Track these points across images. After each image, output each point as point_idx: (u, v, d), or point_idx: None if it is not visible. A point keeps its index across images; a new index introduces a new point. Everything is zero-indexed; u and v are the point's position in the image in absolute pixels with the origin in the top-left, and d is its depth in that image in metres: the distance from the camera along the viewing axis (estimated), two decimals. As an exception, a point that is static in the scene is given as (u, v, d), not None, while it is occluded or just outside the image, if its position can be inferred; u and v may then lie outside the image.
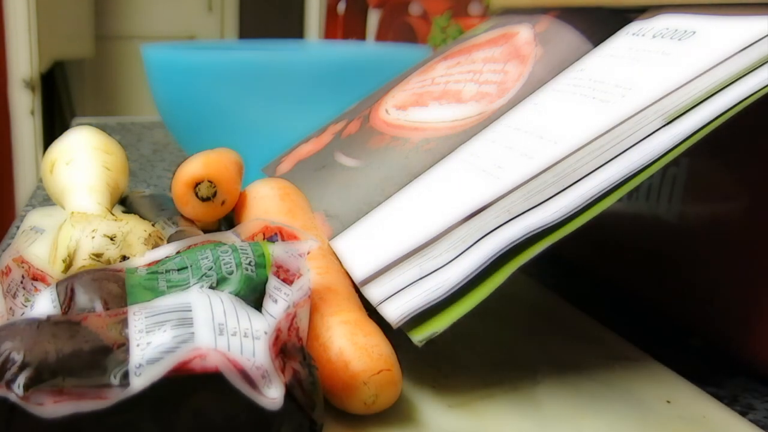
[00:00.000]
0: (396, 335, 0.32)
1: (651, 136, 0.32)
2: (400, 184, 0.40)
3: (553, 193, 0.33)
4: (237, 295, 0.29)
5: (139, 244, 0.38)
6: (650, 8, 0.41)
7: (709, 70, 0.33)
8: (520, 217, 0.33)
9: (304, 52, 0.63)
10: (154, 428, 0.24)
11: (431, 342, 0.31)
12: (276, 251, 0.31)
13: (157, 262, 0.32)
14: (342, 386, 0.30)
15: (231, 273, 0.30)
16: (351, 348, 0.31)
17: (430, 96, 0.46)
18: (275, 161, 0.53)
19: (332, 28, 1.21)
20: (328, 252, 0.39)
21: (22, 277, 0.32)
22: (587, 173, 0.33)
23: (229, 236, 0.34)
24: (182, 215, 0.45)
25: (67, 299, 0.29)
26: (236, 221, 0.46)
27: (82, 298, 0.29)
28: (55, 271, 0.38)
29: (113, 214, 0.41)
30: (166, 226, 0.45)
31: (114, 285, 0.30)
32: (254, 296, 0.30)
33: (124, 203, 0.52)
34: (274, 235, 0.36)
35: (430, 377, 0.35)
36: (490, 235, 0.33)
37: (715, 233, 0.40)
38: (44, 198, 0.67)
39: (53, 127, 2.21)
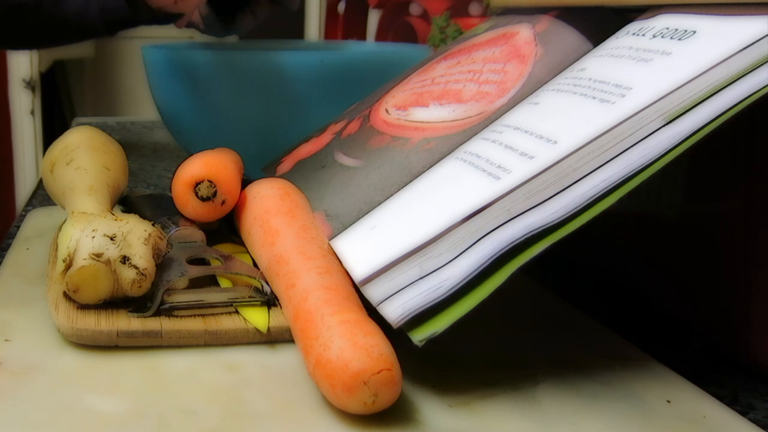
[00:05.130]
0: (396, 335, 0.32)
1: (651, 136, 0.32)
2: (400, 183, 0.40)
3: (553, 193, 0.33)
4: None
5: (139, 244, 0.38)
6: (650, 8, 0.41)
7: (709, 70, 0.33)
8: (520, 217, 0.33)
9: (304, 52, 0.63)
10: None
11: (431, 342, 0.31)
12: None
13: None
14: (342, 386, 0.30)
15: None
16: (351, 348, 0.31)
17: (430, 96, 0.46)
18: (275, 161, 0.53)
19: (332, 28, 1.21)
20: (328, 252, 0.39)
21: None
22: (587, 173, 0.33)
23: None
24: (182, 215, 0.45)
25: None
26: (236, 221, 0.46)
27: None
28: (55, 271, 0.38)
29: (113, 214, 0.41)
30: (166, 226, 0.45)
31: None
32: None
33: (124, 203, 0.52)
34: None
35: (430, 377, 0.35)
36: (490, 235, 0.33)
37: (715, 233, 0.40)
38: (44, 198, 0.67)
39: (53, 127, 2.21)
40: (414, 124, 0.44)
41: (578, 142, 0.34)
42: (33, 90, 2.03)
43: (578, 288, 0.49)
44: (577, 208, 0.32)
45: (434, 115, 0.44)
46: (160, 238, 0.40)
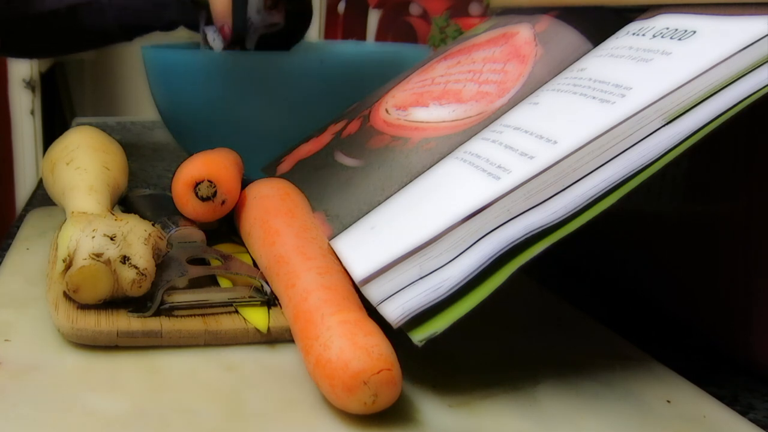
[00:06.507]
0: (396, 335, 0.32)
1: (651, 136, 0.32)
2: (400, 183, 0.40)
3: (553, 193, 0.33)
4: None
5: (139, 244, 0.38)
6: (650, 8, 0.41)
7: (709, 70, 0.33)
8: (520, 216, 0.33)
9: (303, 52, 0.63)
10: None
11: (431, 342, 0.31)
12: None
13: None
14: (342, 386, 0.30)
15: None
16: (351, 348, 0.31)
17: (430, 96, 0.46)
18: (275, 161, 0.53)
19: (332, 28, 1.21)
20: (328, 252, 0.39)
21: None
22: (587, 173, 0.33)
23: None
24: (182, 215, 0.45)
25: None
26: (236, 221, 0.46)
27: None
28: (55, 271, 0.38)
29: (113, 214, 0.41)
30: (166, 226, 0.45)
31: None
32: None
33: (124, 203, 0.52)
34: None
35: (430, 377, 0.35)
36: (490, 235, 0.33)
37: (715, 233, 0.40)
38: (44, 198, 0.67)
39: (53, 127, 2.21)
40: (414, 124, 0.44)
41: (578, 142, 0.34)
42: (33, 90, 2.03)
43: (578, 288, 0.49)
44: (577, 208, 0.32)
45: (434, 115, 0.44)
46: (160, 238, 0.40)
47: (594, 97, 0.36)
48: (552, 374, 0.35)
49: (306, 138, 0.53)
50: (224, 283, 0.41)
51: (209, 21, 0.63)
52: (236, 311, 0.39)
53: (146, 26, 0.72)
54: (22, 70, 2.01)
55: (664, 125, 0.32)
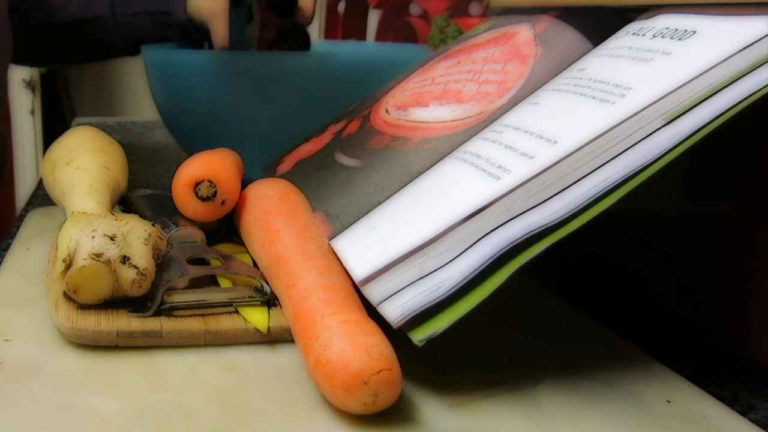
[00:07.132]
0: (396, 335, 0.32)
1: (651, 136, 0.32)
2: (400, 184, 0.40)
3: (553, 193, 0.33)
4: None
5: (139, 244, 0.38)
6: (650, 8, 0.41)
7: (709, 70, 0.33)
8: (520, 216, 0.33)
9: (303, 52, 0.63)
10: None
11: (431, 342, 0.31)
12: None
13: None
14: (342, 386, 0.30)
15: None
16: (351, 348, 0.31)
17: (431, 96, 0.46)
18: (275, 161, 0.53)
19: (332, 28, 1.21)
20: (328, 252, 0.39)
21: None
22: (587, 173, 0.33)
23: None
24: (182, 215, 0.45)
25: None
26: (236, 221, 0.46)
27: None
28: (55, 271, 0.38)
29: (113, 214, 0.41)
30: (166, 226, 0.45)
31: None
32: None
33: (124, 203, 0.52)
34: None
35: (430, 377, 0.35)
36: (490, 235, 0.33)
37: (715, 233, 0.40)
38: (44, 198, 0.67)
39: (53, 127, 2.21)
40: (414, 124, 0.44)
41: (578, 142, 0.34)
42: (33, 90, 2.03)
43: (578, 288, 0.49)
44: (577, 208, 0.32)
45: (434, 115, 0.44)
46: (160, 238, 0.40)
47: (594, 97, 0.36)
48: (552, 374, 0.35)
49: (306, 138, 0.53)
50: (224, 283, 0.41)
51: (211, 47, 0.66)
52: (236, 311, 0.39)
53: (149, 43, 0.74)
54: (22, 70, 2.01)
55: (664, 125, 0.32)
